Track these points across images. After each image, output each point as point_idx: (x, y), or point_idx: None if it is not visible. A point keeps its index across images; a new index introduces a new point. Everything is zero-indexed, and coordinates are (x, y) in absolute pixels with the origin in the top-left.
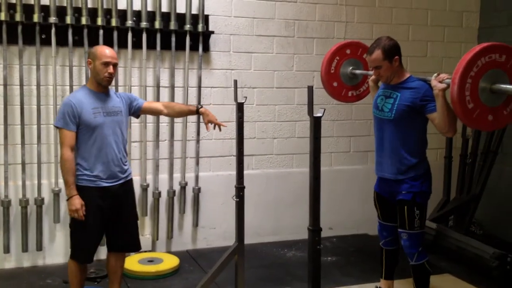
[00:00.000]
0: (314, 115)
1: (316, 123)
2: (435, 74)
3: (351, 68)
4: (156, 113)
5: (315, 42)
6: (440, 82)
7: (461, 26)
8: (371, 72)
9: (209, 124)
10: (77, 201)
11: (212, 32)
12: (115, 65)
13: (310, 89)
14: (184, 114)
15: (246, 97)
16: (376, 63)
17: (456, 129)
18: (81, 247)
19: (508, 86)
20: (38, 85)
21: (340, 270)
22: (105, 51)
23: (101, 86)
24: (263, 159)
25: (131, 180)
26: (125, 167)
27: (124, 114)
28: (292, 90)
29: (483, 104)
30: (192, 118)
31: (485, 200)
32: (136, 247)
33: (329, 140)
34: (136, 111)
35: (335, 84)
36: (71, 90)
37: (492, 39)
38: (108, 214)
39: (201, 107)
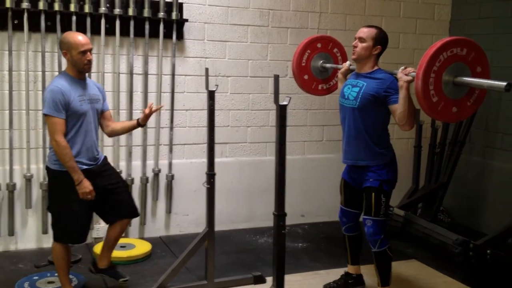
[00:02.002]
0: (280, 103)
1: (281, 111)
2: (402, 67)
3: (321, 61)
4: (105, 123)
5: (289, 32)
6: (406, 75)
7: (433, 19)
8: (340, 66)
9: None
10: (87, 184)
11: (186, 20)
12: (91, 51)
13: (276, 78)
14: (127, 130)
15: (217, 85)
16: (364, 36)
17: (414, 123)
18: (72, 229)
19: (469, 79)
20: (10, 71)
21: (309, 256)
22: (79, 40)
23: (81, 74)
24: (236, 147)
25: (105, 157)
26: (98, 150)
27: (101, 102)
28: (266, 79)
29: (447, 97)
30: (166, 105)
31: (453, 189)
32: (135, 213)
33: (302, 129)
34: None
35: (305, 77)
36: (43, 76)
37: (463, 31)
38: (96, 193)
39: (138, 119)
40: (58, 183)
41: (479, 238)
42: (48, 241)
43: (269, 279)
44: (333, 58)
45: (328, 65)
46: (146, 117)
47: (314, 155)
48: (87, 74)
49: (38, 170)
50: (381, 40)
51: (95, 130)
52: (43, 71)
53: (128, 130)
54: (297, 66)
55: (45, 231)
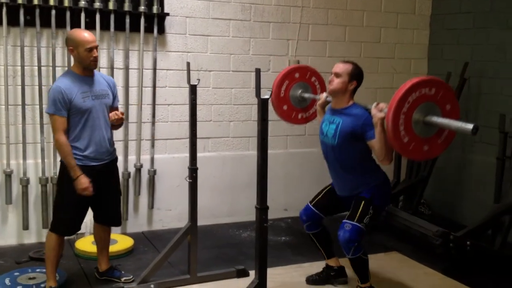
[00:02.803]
0: (262, 97)
1: (263, 105)
2: (375, 104)
3: (300, 91)
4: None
5: (271, 26)
6: (380, 111)
7: (414, 13)
8: (318, 97)
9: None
10: (84, 180)
11: (167, 14)
12: (97, 48)
13: (258, 72)
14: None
15: (199, 80)
16: (340, 71)
17: (392, 158)
18: (66, 221)
19: (438, 120)
20: None
21: (292, 250)
22: (86, 37)
23: (87, 70)
24: (219, 141)
25: (116, 159)
26: (112, 149)
27: (111, 97)
28: (249, 73)
29: (418, 136)
30: (148, 100)
31: (433, 182)
32: (116, 223)
33: (285, 124)
34: None
35: (285, 107)
36: (22, 70)
37: (443, 26)
38: (93, 191)
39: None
40: (63, 174)
41: (459, 230)
42: (29, 237)
43: (252, 273)
44: (311, 87)
45: (306, 95)
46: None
47: (296, 149)
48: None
49: (18, 166)
50: (356, 75)
51: (105, 126)
52: (22, 66)
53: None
54: (275, 97)
55: (25, 227)
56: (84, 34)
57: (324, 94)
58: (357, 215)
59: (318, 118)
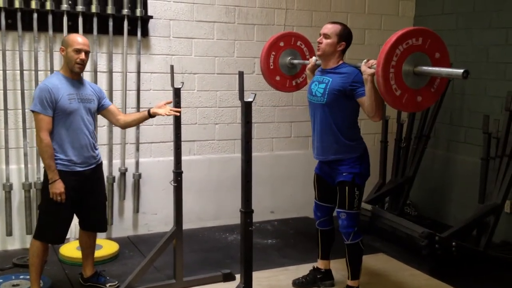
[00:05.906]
0: (245, 100)
1: (246, 108)
2: (365, 60)
3: (289, 58)
4: (113, 118)
5: (255, 28)
6: (370, 67)
7: (397, 15)
8: (307, 62)
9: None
10: (60, 185)
11: (151, 17)
12: (86, 53)
13: (241, 74)
14: (138, 121)
15: (183, 83)
16: (328, 32)
17: (382, 115)
18: (53, 229)
19: (428, 68)
20: None
21: (279, 252)
22: (77, 39)
23: (74, 73)
24: (204, 144)
25: (101, 163)
26: (96, 152)
27: (96, 103)
28: (233, 76)
29: (410, 88)
30: (132, 104)
31: (419, 183)
32: (102, 228)
33: (271, 126)
34: (99, 109)
35: (277, 78)
36: (4, 74)
37: (427, 27)
38: (79, 197)
39: (149, 110)
40: (47, 180)
41: (445, 231)
42: (12, 243)
43: (239, 276)
44: (299, 52)
45: (296, 61)
46: (159, 113)
47: (282, 152)
48: (83, 75)
49: (1, 171)
50: (345, 36)
51: (89, 130)
52: (4, 70)
53: (140, 122)
54: (266, 70)
55: (9, 233)
56: (76, 37)
57: (314, 58)
58: (346, 203)
59: (308, 82)
